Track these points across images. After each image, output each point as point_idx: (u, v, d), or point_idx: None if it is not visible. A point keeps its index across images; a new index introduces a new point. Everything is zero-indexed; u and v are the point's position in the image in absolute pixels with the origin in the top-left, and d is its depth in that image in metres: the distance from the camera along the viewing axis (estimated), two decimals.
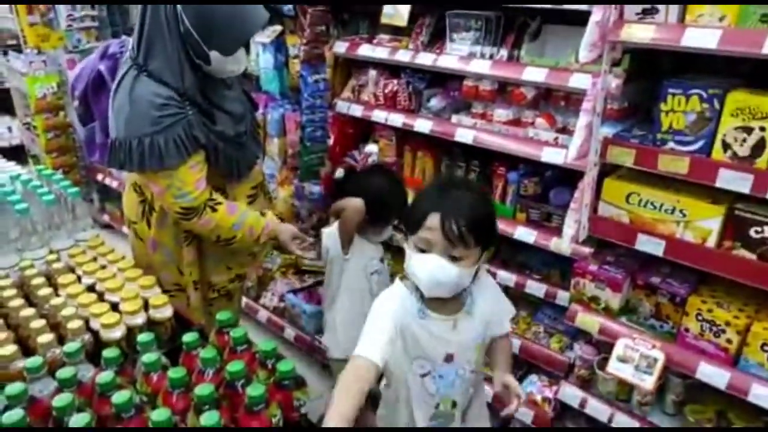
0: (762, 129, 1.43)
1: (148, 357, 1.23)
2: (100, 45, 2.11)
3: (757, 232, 1.52)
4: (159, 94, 1.64)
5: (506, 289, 2.15)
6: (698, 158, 1.53)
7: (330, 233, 2.06)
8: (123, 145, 1.66)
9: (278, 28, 2.77)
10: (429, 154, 2.42)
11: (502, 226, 2.10)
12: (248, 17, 1.67)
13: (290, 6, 2.61)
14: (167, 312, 1.51)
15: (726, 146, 1.49)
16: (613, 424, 1.90)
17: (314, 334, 2.99)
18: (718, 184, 1.50)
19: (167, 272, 1.95)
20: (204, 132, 1.71)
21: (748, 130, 1.45)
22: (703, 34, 1.39)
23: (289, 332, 3.08)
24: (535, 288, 2.17)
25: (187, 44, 1.65)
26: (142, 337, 1.29)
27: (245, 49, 1.79)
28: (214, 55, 1.66)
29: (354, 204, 1.93)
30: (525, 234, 2.06)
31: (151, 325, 1.47)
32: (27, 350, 1.34)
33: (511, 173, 2.17)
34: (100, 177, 4.48)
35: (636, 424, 1.87)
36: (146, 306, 1.50)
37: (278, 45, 2.79)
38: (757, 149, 1.45)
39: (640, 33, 1.48)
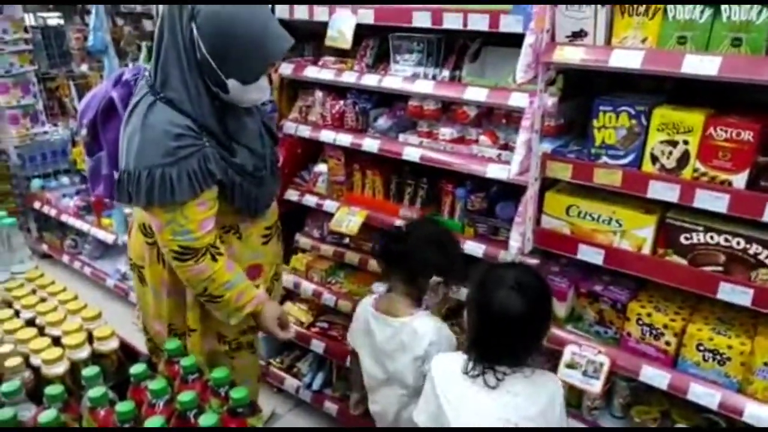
0: (685, 142, 1.53)
1: (94, 392, 1.19)
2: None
3: (686, 238, 1.61)
4: (175, 122, 1.54)
5: (459, 303, 2.19)
6: (630, 171, 1.62)
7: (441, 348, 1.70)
8: (132, 176, 1.54)
9: None
10: (378, 173, 2.45)
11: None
12: (268, 45, 1.56)
13: None
14: (113, 344, 1.46)
15: (654, 159, 1.59)
16: None
17: (267, 359, 2.96)
18: (649, 195, 1.59)
19: (181, 315, 1.85)
20: (221, 166, 1.62)
21: (673, 144, 1.55)
22: (627, 55, 1.48)
23: None
24: None
25: (204, 72, 1.56)
26: (87, 371, 1.25)
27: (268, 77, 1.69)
28: (232, 83, 1.57)
29: None
30: (474, 248, 2.11)
31: (96, 358, 1.42)
32: None
33: (458, 190, 2.23)
34: (37, 205, 4.31)
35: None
36: (91, 339, 1.45)
37: None
38: (682, 161, 1.55)
39: (571, 54, 1.57)
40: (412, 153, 2.19)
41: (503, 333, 1.46)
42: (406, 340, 1.75)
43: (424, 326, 1.74)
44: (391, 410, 1.86)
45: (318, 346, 2.68)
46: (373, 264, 2.52)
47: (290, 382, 2.86)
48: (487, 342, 1.49)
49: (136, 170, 1.54)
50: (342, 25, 2.22)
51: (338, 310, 2.61)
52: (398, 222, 2.25)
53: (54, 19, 4.89)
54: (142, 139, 1.54)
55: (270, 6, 2.37)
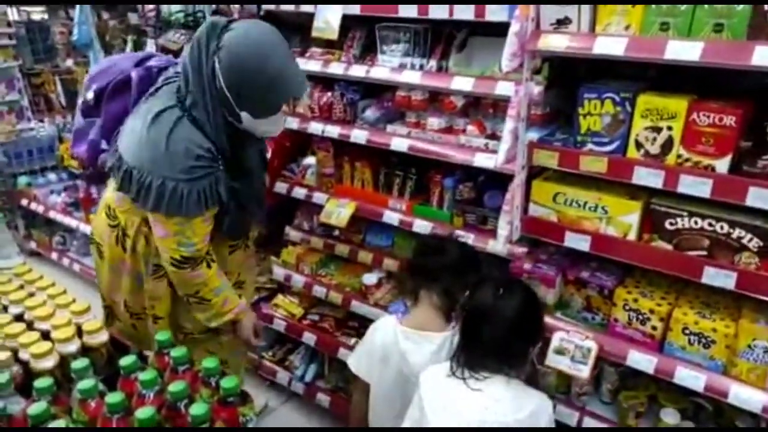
0: (669, 128, 1.54)
1: (84, 383, 1.20)
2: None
3: (671, 224, 1.63)
4: (197, 143, 1.63)
5: None
6: (615, 158, 1.63)
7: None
8: (142, 178, 1.62)
9: None
10: (367, 164, 2.45)
11: (440, 230, 2.17)
12: (279, 88, 1.66)
13: None
14: (103, 337, 1.46)
15: (639, 145, 1.60)
16: (555, 415, 1.97)
17: (260, 353, 2.96)
18: (634, 181, 1.61)
19: (137, 296, 1.90)
20: (226, 189, 1.72)
21: (657, 130, 1.56)
22: (611, 42, 1.49)
23: None
24: None
25: (221, 101, 1.65)
26: (77, 364, 1.25)
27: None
28: (245, 115, 1.66)
29: None
30: (463, 238, 2.12)
31: (86, 351, 1.42)
32: None
33: (446, 179, 2.23)
34: (24, 202, 4.27)
35: (576, 414, 1.96)
36: (80, 333, 1.45)
37: None
38: (666, 147, 1.56)
39: (556, 42, 1.58)
40: (400, 144, 2.20)
41: (484, 332, 1.48)
42: (448, 354, 1.69)
43: None
44: None
45: (309, 338, 2.69)
46: (363, 256, 2.53)
47: (282, 375, 2.87)
48: (473, 344, 1.51)
49: (150, 175, 1.61)
50: (328, 16, 2.22)
51: (329, 302, 2.62)
52: (430, 227, 2.22)
53: (38, 14, 4.83)
54: (164, 151, 1.61)
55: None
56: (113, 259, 1.87)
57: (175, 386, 1.18)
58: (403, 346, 1.75)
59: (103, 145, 1.91)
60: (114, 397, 1.14)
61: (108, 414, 1.15)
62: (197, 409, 1.13)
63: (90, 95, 1.89)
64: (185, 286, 1.78)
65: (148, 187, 1.61)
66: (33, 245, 4.39)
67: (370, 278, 2.51)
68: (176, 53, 2.85)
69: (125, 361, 1.29)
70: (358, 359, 1.88)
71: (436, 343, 1.73)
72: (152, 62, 1.90)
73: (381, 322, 1.88)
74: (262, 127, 1.73)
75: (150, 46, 3.11)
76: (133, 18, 3.52)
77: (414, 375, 1.73)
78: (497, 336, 1.48)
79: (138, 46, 3.25)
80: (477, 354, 1.50)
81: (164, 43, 2.91)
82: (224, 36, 1.60)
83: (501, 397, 1.45)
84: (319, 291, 2.63)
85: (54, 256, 4.22)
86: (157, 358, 1.38)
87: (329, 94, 2.43)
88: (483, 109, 2.11)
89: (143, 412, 1.11)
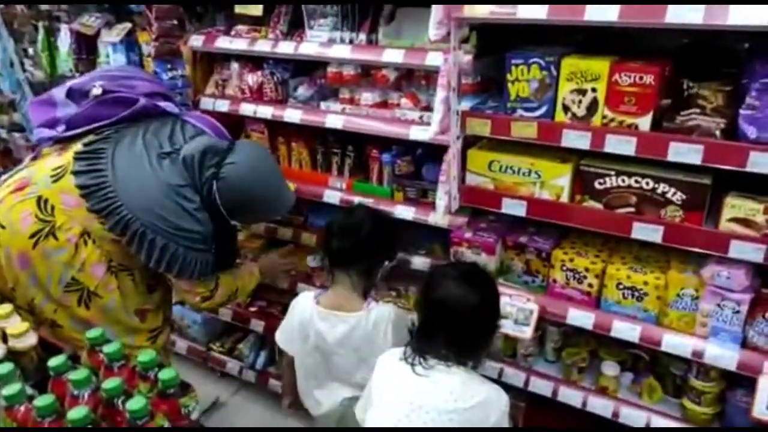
0: (593, 90, 1.58)
1: (9, 389, 1.12)
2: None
3: (600, 183, 1.68)
4: (209, 229, 1.74)
5: (394, 267, 2.19)
6: (544, 122, 1.66)
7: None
8: (147, 235, 1.65)
9: (127, 25, 2.60)
10: (303, 144, 2.41)
11: (382, 206, 2.16)
12: (274, 208, 1.95)
13: None
14: (30, 340, 1.38)
15: (566, 108, 1.63)
16: (503, 378, 2.03)
17: (207, 343, 2.90)
18: (563, 144, 1.64)
19: (32, 293, 1.74)
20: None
21: (583, 92, 1.60)
22: (533, 7, 1.50)
23: (181, 345, 2.95)
24: (420, 263, 2.23)
25: (214, 207, 1.77)
26: (0, 369, 1.17)
27: None
28: (235, 222, 1.90)
29: None
30: (403, 212, 2.13)
31: (12, 356, 1.34)
32: None
33: (384, 155, 2.22)
34: None
35: (523, 375, 2.02)
36: (6, 338, 1.36)
37: (129, 44, 2.62)
38: (592, 108, 1.60)
39: (480, 9, 1.57)
40: (335, 121, 2.16)
41: (444, 321, 1.50)
42: (362, 333, 1.77)
43: (381, 313, 1.78)
44: (339, 410, 1.85)
45: (257, 325, 2.65)
46: (306, 237, 2.50)
47: (232, 365, 2.82)
48: (428, 331, 1.53)
49: (159, 236, 1.66)
50: None
51: (274, 288, 2.58)
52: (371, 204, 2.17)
53: None
54: (183, 224, 1.69)
55: None
56: (17, 248, 1.68)
57: (109, 383, 1.13)
58: (319, 326, 1.81)
59: (59, 128, 1.87)
60: (43, 400, 1.08)
61: (38, 418, 1.08)
62: (134, 403, 1.08)
63: (98, 91, 1.86)
64: (223, 302, 1.96)
65: (151, 242, 1.66)
66: None
67: (313, 261, 2.49)
68: (92, 38, 2.69)
69: (54, 361, 1.22)
70: (283, 333, 1.95)
71: (350, 323, 1.77)
72: (163, 104, 1.90)
73: (300, 298, 1.93)
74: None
75: (64, 32, 2.92)
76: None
77: (332, 352, 1.80)
78: (458, 327, 1.49)
79: (50, 32, 3.04)
80: (432, 343, 1.51)
81: (79, 28, 2.73)
82: (224, 168, 1.73)
83: (445, 385, 1.46)
84: None
85: None
86: (89, 356, 1.31)
87: (259, 73, 2.36)
88: (416, 81, 2.10)
89: (76, 412, 1.06)
